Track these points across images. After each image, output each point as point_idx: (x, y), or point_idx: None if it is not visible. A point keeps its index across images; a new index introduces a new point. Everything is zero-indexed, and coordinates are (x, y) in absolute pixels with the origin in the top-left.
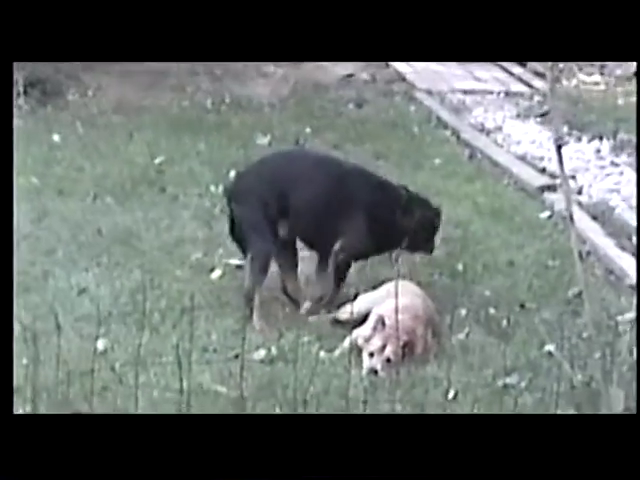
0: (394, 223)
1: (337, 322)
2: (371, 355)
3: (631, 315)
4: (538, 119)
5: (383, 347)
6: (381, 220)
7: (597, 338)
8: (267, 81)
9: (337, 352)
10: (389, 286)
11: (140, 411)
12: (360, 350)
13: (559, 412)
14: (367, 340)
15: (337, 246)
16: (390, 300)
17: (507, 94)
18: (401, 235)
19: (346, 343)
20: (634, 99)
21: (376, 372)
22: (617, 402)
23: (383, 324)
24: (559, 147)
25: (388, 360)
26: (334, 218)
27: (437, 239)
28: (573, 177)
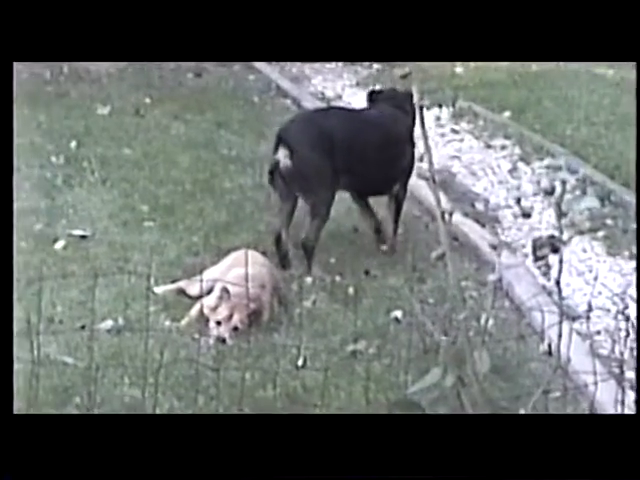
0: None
1: (184, 294)
2: (218, 324)
3: (493, 277)
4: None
5: (230, 316)
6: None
7: (461, 302)
8: None
9: (184, 322)
10: (234, 256)
11: None
12: (207, 320)
13: (410, 378)
14: (213, 309)
15: (395, 188)
16: (235, 269)
17: (346, 63)
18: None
19: (193, 312)
20: (472, 64)
21: (224, 340)
22: (484, 364)
23: (228, 293)
24: (421, 108)
25: (235, 328)
26: (389, 164)
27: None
28: None
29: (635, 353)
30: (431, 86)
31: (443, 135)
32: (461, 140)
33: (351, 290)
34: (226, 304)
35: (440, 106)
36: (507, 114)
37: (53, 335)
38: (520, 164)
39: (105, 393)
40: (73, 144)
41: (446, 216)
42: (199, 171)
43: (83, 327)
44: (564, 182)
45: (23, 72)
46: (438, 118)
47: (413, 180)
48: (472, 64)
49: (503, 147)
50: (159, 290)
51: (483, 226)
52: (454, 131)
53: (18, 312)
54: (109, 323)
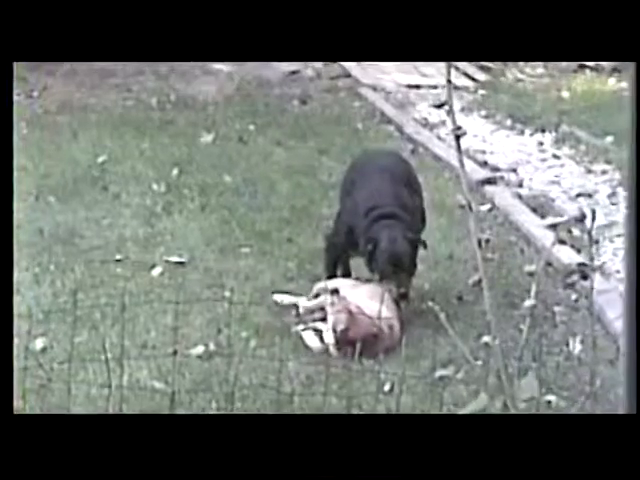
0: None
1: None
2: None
3: (530, 302)
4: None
5: (346, 329)
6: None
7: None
8: (213, 79)
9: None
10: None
11: (77, 407)
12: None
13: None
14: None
15: None
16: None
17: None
18: None
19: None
20: (580, 89)
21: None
22: (528, 390)
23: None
24: (457, 137)
25: (346, 341)
26: None
27: None
28: (514, 170)
29: None
30: (535, 111)
31: (544, 160)
32: (562, 165)
33: (443, 316)
34: (346, 315)
35: (543, 131)
36: (610, 139)
37: (145, 360)
38: (619, 189)
39: None
40: (175, 172)
41: (482, 243)
42: (297, 197)
43: (175, 352)
44: (594, 210)
45: (129, 99)
46: (541, 143)
47: (509, 203)
48: (579, 89)
49: (604, 172)
50: (279, 298)
51: (579, 252)
52: (555, 156)
53: (112, 337)
54: (200, 349)
